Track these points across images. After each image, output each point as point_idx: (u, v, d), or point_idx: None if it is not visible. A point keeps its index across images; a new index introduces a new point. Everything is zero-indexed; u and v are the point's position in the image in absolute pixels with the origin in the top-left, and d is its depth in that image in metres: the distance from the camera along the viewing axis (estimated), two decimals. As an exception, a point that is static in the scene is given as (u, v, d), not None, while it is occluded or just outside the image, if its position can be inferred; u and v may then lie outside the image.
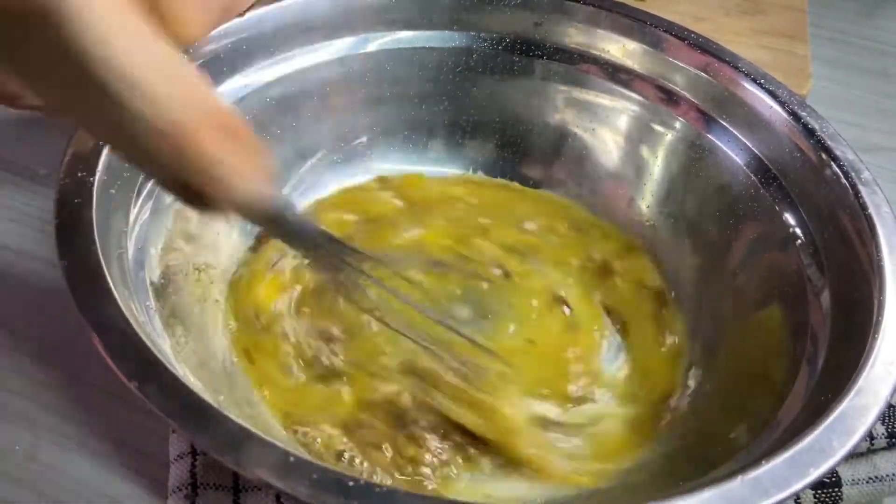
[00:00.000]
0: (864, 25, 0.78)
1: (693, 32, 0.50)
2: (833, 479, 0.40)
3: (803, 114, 0.45)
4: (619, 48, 0.51)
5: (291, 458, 0.29)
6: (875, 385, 0.33)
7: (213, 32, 0.45)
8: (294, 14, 0.49)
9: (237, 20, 0.46)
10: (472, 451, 0.40)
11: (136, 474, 0.40)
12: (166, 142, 0.22)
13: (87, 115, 0.23)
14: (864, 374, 0.33)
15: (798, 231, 0.44)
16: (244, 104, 0.48)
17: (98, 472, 0.40)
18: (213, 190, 0.24)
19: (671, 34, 0.50)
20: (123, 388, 0.30)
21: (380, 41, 0.52)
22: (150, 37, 0.21)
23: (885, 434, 0.40)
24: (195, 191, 0.24)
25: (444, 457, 0.39)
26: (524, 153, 0.54)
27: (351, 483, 0.28)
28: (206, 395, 0.31)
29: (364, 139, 0.53)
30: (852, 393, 0.33)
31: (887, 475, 0.40)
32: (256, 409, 0.40)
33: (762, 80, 0.47)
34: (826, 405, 0.33)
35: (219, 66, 0.46)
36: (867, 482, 0.40)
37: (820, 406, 0.33)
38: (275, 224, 0.30)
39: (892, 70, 0.74)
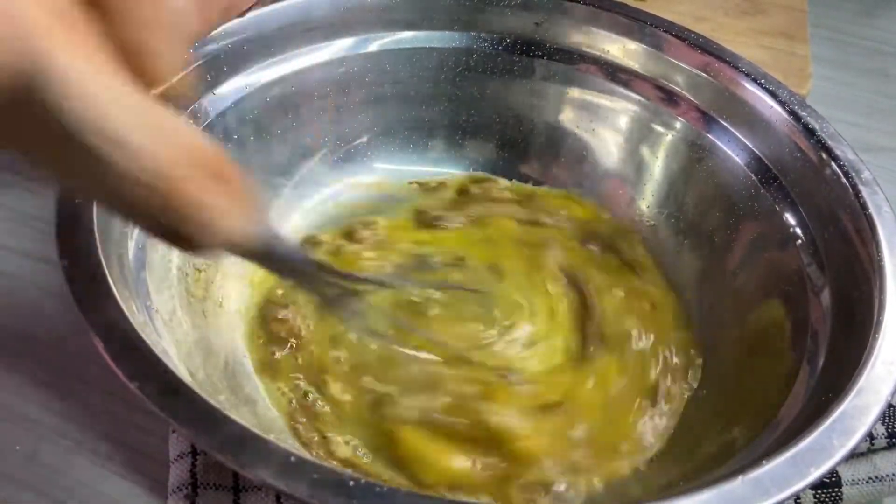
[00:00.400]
0: (864, 25, 0.79)
1: (693, 32, 0.50)
2: (833, 479, 0.40)
3: (803, 114, 0.45)
4: (620, 48, 0.51)
5: (292, 459, 0.28)
6: (876, 384, 0.33)
7: (214, 32, 0.45)
8: (294, 14, 0.49)
9: (237, 20, 0.46)
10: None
11: (136, 474, 0.40)
12: (153, 194, 0.22)
13: (70, 174, 0.23)
14: (865, 373, 0.33)
15: (798, 231, 0.44)
16: (244, 104, 0.48)
17: (98, 472, 0.40)
18: (200, 234, 0.24)
19: (671, 34, 0.50)
20: (123, 388, 0.30)
21: (380, 41, 0.52)
22: (130, 91, 0.21)
23: (886, 434, 0.40)
24: (183, 236, 0.23)
25: None
26: (524, 153, 0.54)
27: (351, 483, 0.28)
28: (207, 396, 0.31)
29: (364, 139, 0.53)
30: (853, 392, 0.33)
31: (887, 475, 0.40)
32: (258, 409, 0.40)
33: (762, 80, 0.47)
34: (826, 405, 0.33)
35: (219, 65, 0.46)
36: (867, 482, 0.40)
37: (820, 406, 0.34)
38: (263, 259, 0.30)
39: (892, 70, 0.74)
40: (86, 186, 0.23)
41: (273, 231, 0.29)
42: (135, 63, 0.22)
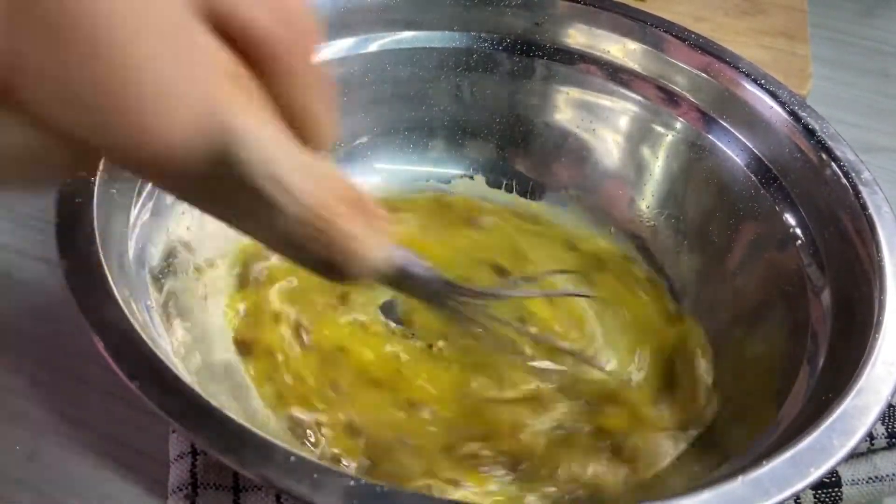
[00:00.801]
0: (864, 25, 0.78)
1: (693, 33, 0.50)
2: (833, 479, 0.40)
3: (803, 114, 0.45)
4: (620, 48, 0.51)
5: (293, 458, 0.29)
6: (876, 385, 0.33)
7: None
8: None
9: None
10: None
11: (136, 474, 0.40)
12: (309, 228, 0.25)
13: (243, 218, 0.26)
14: (865, 373, 0.34)
15: (798, 231, 0.44)
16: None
17: (98, 472, 0.40)
18: (350, 262, 0.26)
19: (671, 35, 0.50)
20: (123, 388, 0.30)
21: (380, 42, 0.52)
22: (294, 145, 0.24)
23: (885, 434, 0.40)
24: (337, 265, 0.26)
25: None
26: (524, 153, 0.54)
27: (351, 483, 0.28)
28: (207, 395, 0.31)
29: (364, 139, 0.53)
30: (853, 393, 0.33)
31: (887, 475, 0.40)
32: (257, 408, 0.40)
33: (762, 81, 0.47)
34: (827, 405, 0.33)
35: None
36: (867, 482, 0.40)
37: (820, 405, 0.34)
38: (402, 281, 0.32)
39: (892, 70, 0.74)
40: (256, 229, 0.26)
41: (408, 254, 0.31)
42: (297, 128, 0.25)
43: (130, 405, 0.42)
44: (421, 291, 0.34)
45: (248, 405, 0.40)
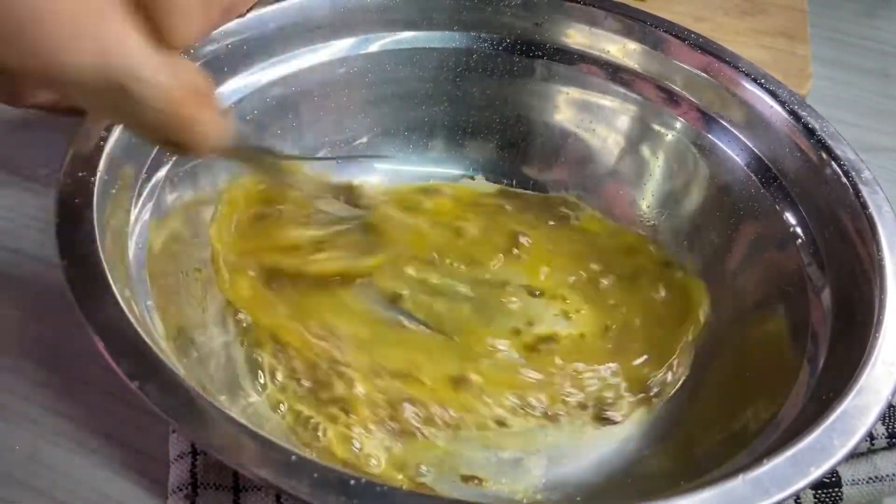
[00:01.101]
0: (864, 25, 0.78)
1: (693, 33, 0.50)
2: (833, 478, 0.40)
3: (803, 113, 0.45)
4: (620, 48, 0.51)
5: (293, 458, 0.29)
6: (876, 384, 0.33)
7: (214, 33, 0.45)
8: (295, 14, 0.49)
9: (237, 20, 0.46)
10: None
11: (136, 474, 0.40)
12: (162, 114, 0.30)
13: (107, 109, 0.32)
14: (866, 373, 0.34)
15: (798, 230, 0.44)
16: (244, 105, 0.48)
17: (98, 472, 0.40)
18: (196, 142, 0.32)
19: (671, 34, 0.50)
20: (123, 388, 0.30)
21: (380, 42, 0.52)
22: (156, 48, 0.29)
23: (886, 434, 0.40)
24: (182, 144, 0.32)
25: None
26: (525, 153, 0.54)
27: (352, 482, 0.28)
28: (207, 395, 0.31)
29: (365, 139, 0.53)
30: (853, 392, 0.33)
31: (887, 475, 0.40)
32: (257, 407, 0.40)
33: (762, 80, 0.47)
34: (827, 405, 0.33)
35: (219, 66, 0.46)
36: (867, 482, 0.40)
37: (821, 405, 0.34)
38: (238, 155, 0.40)
39: (892, 70, 0.74)
40: (114, 115, 0.35)
41: (241, 134, 0.39)
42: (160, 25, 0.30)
43: (130, 405, 0.42)
44: (254, 161, 0.42)
45: (249, 403, 0.40)
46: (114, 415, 0.42)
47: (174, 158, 0.42)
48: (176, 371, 0.31)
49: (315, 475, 0.28)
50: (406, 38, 0.52)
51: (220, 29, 0.45)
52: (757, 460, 0.31)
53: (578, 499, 0.40)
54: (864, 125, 0.67)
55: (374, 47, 0.52)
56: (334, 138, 0.52)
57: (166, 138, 0.31)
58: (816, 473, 0.30)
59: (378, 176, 0.53)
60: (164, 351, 0.34)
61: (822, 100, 0.60)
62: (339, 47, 0.51)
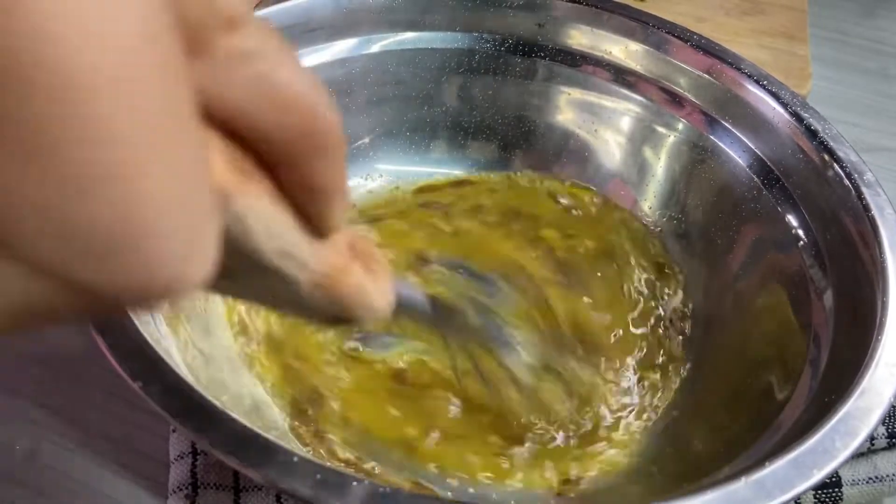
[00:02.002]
0: (864, 25, 0.78)
1: (696, 34, 0.50)
2: (833, 479, 0.40)
3: (806, 115, 0.45)
4: (622, 50, 0.51)
5: (295, 458, 0.29)
6: (878, 386, 0.33)
7: None
8: (297, 15, 0.49)
9: None
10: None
11: (136, 474, 0.40)
12: (319, 291, 0.24)
13: (251, 293, 0.26)
14: (868, 375, 0.34)
15: (800, 232, 0.44)
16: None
17: (98, 472, 0.40)
18: (361, 314, 0.26)
19: (674, 36, 0.50)
20: (124, 388, 0.30)
21: (382, 42, 0.52)
22: (287, 217, 0.23)
23: (886, 434, 0.40)
24: (348, 319, 0.27)
25: None
26: (527, 154, 0.54)
27: (354, 483, 0.28)
28: (210, 395, 0.31)
29: (367, 140, 0.53)
30: (855, 394, 0.33)
31: (887, 475, 0.40)
32: (261, 408, 0.40)
33: (764, 82, 0.47)
34: (829, 407, 0.33)
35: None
36: (867, 482, 0.40)
37: (823, 407, 0.34)
38: (406, 317, 0.35)
39: (892, 70, 0.73)
40: (275, 304, 0.27)
41: (403, 288, 0.31)
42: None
43: (130, 405, 0.42)
44: (421, 320, 0.36)
45: (253, 403, 0.40)
46: (114, 415, 0.42)
47: None
48: (180, 370, 0.31)
49: (318, 476, 0.28)
50: (408, 38, 0.52)
51: None
52: (759, 462, 0.31)
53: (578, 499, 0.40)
54: (864, 125, 0.66)
55: (375, 48, 0.51)
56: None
57: (327, 315, 0.26)
58: (818, 476, 0.30)
59: (380, 177, 0.53)
60: (167, 351, 0.34)
61: (822, 100, 0.60)
62: (342, 47, 0.51)
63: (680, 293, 0.47)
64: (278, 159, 0.21)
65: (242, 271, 0.22)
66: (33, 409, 0.42)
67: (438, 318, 0.37)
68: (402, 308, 0.31)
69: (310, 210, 0.23)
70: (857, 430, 0.32)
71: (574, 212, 0.52)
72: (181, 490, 0.38)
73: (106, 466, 0.40)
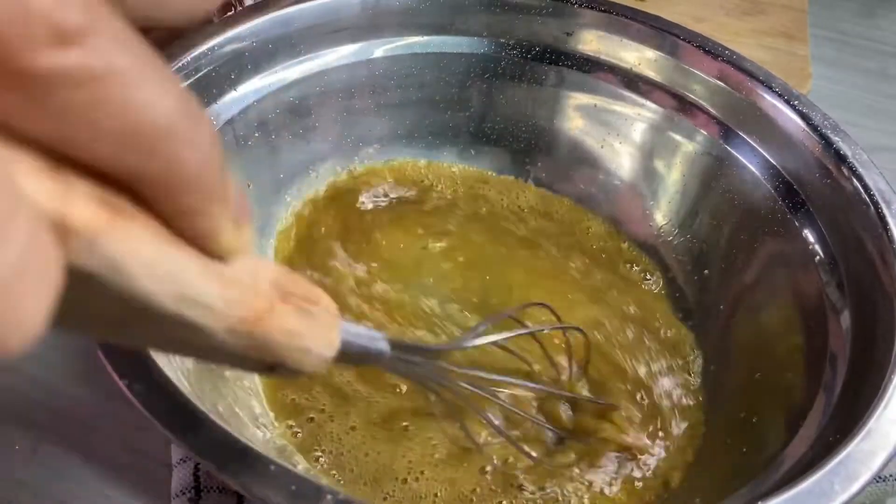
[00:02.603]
0: (864, 25, 0.78)
1: (720, 45, 0.48)
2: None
3: (813, 114, 0.44)
4: (644, 58, 0.50)
5: (272, 468, 0.28)
6: (885, 427, 0.31)
7: (240, 31, 0.44)
8: (323, 14, 0.47)
9: (262, 18, 0.45)
10: None
11: (136, 475, 0.40)
12: (236, 338, 0.21)
13: (157, 342, 0.23)
14: (876, 414, 0.32)
15: (818, 247, 0.42)
16: (267, 102, 0.46)
17: (98, 473, 0.40)
18: (298, 360, 0.23)
19: (697, 46, 0.48)
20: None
21: (407, 44, 0.50)
22: (181, 256, 0.19)
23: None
24: (281, 365, 0.23)
25: None
26: (541, 161, 0.53)
27: (329, 496, 0.27)
28: (204, 404, 0.30)
29: (384, 141, 0.52)
30: (860, 435, 0.31)
31: (890, 475, 0.40)
32: (257, 416, 0.40)
33: (792, 99, 0.45)
34: (833, 446, 0.31)
35: (242, 64, 0.45)
36: (871, 482, 0.39)
37: (829, 444, 0.32)
38: (353, 361, 0.30)
39: (892, 70, 0.73)
40: (185, 350, 0.23)
41: (349, 329, 0.28)
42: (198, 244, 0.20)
43: (130, 405, 0.41)
44: (370, 362, 0.31)
45: (249, 411, 0.39)
46: (115, 416, 0.41)
47: None
48: (170, 375, 0.30)
49: (293, 487, 0.27)
50: (434, 41, 0.51)
51: (246, 27, 0.44)
52: (753, 500, 0.29)
53: None
54: (864, 125, 0.66)
55: (400, 50, 0.50)
56: (354, 138, 0.51)
57: (260, 364, 0.23)
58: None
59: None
60: (164, 356, 0.32)
61: (822, 100, 0.58)
62: (366, 48, 0.49)
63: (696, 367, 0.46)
64: (142, 194, 0.18)
65: (137, 321, 0.19)
66: (33, 409, 0.41)
67: (399, 364, 0.33)
68: (355, 352, 0.28)
69: (195, 234, 0.20)
70: (857, 474, 0.30)
71: None
72: (184, 494, 0.38)
73: (106, 466, 0.40)
